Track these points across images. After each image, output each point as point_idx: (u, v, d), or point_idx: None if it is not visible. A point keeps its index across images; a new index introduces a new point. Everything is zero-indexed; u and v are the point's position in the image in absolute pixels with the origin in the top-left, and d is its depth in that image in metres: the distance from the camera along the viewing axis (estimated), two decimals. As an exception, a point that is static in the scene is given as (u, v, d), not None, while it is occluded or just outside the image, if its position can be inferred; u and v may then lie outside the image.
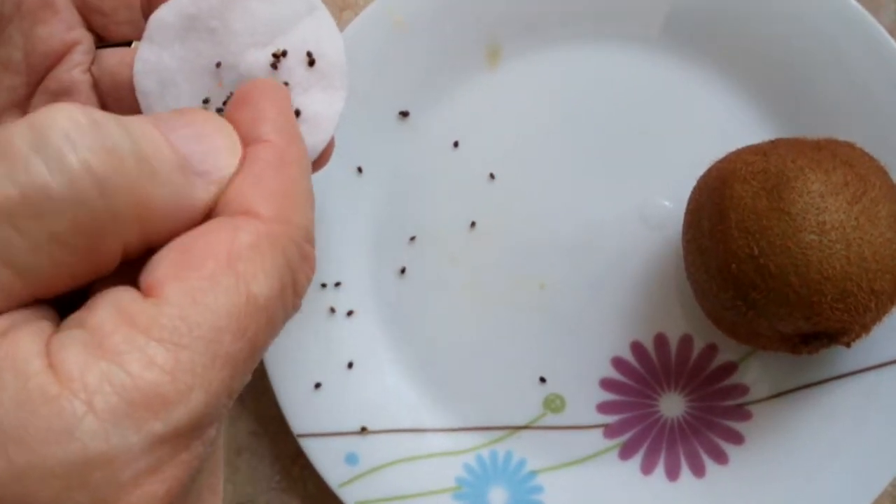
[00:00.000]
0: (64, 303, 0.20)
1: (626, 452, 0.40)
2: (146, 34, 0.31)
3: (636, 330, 0.40)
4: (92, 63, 0.31)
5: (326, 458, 0.39)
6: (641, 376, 0.40)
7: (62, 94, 0.31)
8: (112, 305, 0.19)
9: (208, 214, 0.21)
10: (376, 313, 0.41)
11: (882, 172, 0.34)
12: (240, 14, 0.31)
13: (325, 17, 0.31)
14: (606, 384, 0.40)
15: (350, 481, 0.39)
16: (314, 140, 0.31)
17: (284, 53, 0.31)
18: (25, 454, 0.17)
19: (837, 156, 0.33)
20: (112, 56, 0.31)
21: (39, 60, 0.31)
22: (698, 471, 0.39)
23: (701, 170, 0.37)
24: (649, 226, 0.40)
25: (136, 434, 0.17)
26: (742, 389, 0.39)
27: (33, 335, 0.18)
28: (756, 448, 0.38)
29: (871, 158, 0.34)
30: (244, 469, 0.42)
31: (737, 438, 0.39)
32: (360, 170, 0.41)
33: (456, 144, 0.41)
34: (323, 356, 0.40)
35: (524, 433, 0.40)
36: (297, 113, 0.31)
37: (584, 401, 0.40)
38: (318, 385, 0.40)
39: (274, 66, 0.31)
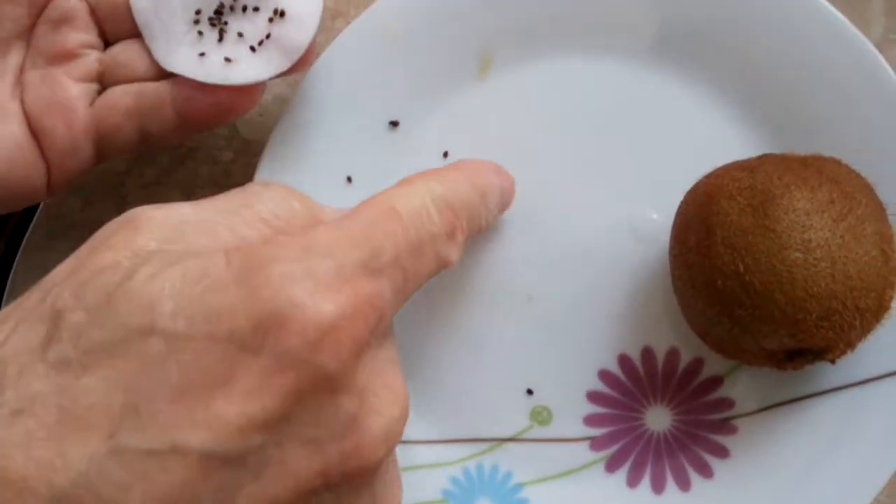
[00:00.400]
0: None
1: (612, 465, 0.40)
2: None
3: (623, 343, 0.40)
4: None
5: (313, 469, 0.39)
6: (628, 389, 0.40)
7: (62, 21, 0.34)
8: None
9: None
10: (364, 323, 0.41)
11: (868, 189, 0.34)
12: None
13: None
14: (593, 397, 0.40)
15: (336, 492, 0.39)
16: (300, 37, 0.35)
17: None
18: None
19: (823, 173, 0.33)
20: None
21: None
22: (684, 484, 0.39)
23: (691, 182, 0.37)
24: (638, 238, 0.40)
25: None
26: (728, 403, 0.39)
27: None
28: (741, 462, 0.38)
29: (858, 175, 0.34)
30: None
31: (722, 452, 0.39)
32: (349, 179, 0.41)
33: (446, 154, 0.41)
34: (310, 366, 0.40)
35: (511, 445, 0.40)
36: (283, 13, 0.35)
37: (571, 413, 0.40)
38: (305, 395, 0.40)
39: None
